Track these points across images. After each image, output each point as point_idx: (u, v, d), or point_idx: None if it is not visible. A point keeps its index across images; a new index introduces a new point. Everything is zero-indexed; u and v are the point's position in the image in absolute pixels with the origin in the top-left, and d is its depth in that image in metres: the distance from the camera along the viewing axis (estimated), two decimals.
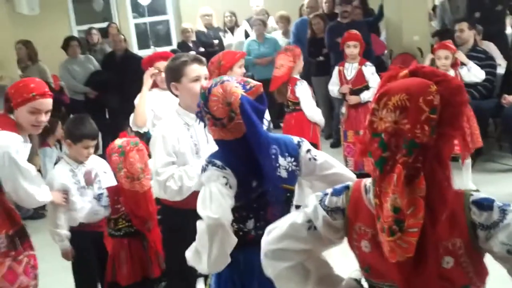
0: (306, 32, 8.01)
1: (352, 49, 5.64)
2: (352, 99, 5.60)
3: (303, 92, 5.05)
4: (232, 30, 9.00)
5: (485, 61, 6.05)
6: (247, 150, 2.16)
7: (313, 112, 5.11)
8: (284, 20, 8.73)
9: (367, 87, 5.58)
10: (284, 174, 2.26)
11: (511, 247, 1.51)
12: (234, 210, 2.17)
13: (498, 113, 6.16)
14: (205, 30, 8.98)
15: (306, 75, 8.04)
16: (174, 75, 2.97)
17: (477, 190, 5.40)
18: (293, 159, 2.29)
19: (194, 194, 2.77)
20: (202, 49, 8.72)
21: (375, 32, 8.34)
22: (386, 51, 8.28)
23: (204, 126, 2.32)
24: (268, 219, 2.12)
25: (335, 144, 7.45)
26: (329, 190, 1.73)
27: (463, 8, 8.20)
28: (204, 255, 2.11)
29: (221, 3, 9.58)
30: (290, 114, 5.19)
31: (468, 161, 5.46)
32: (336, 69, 5.83)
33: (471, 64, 5.39)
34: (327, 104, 7.68)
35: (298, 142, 2.34)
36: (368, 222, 1.63)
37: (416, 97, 1.46)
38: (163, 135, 2.90)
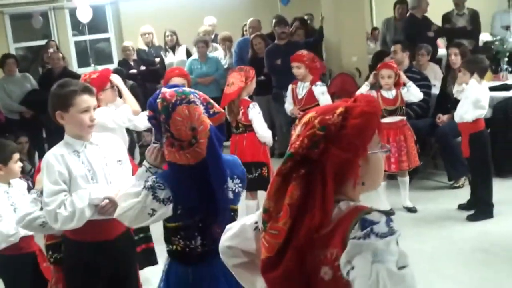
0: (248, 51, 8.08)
1: (296, 70, 5.70)
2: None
3: (256, 114, 5.02)
4: (173, 49, 8.96)
5: (420, 81, 6.21)
6: (198, 177, 2.19)
7: (266, 133, 5.10)
8: (226, 41, 8.76)
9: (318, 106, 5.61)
10: (230, 195, 2.33)
11: (349, 269, 1.46)
12: (179, 229, 2.25)
13: (433, 132, 6.33)
14: (146, 48, 8.92)
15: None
16: (62, 103, 2.82)
17: (413, 208, 5.52)
18: (239, 181, 2.36)
19: (95, 226, 2.83)
20: (143, 67, 8.66)
21: (316, 53, 8.47)
22: (325, 71, 8.42)
23: (155, 136, 2.30)
24: (214, 237, 2.19)
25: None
26: None
27: (400, 31, 8.47)
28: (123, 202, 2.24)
29: (162, 22, 9.55)
30: (241, 135, 5.10)
31: (406, 178, 5.58)
32: (290, 87, 5.89)
33: (410, 83, 5.53)
34: (269, 122, 7.71)
35: (244, 169, 2.43)
36: None
37: (317, 116, 1.57)
38: (47, 164, 2.80)
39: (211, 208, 2.24)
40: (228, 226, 1.90)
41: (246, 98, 5.09)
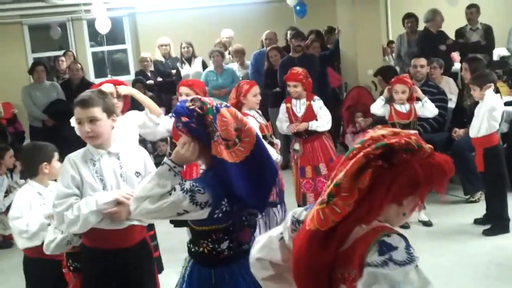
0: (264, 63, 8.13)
1: (293, 88, 5.54)
2: (301, 126, 5.50)
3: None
4: (189, 60, 9.04)
5: (437, 95, 6.22)
6: (245, 174, 2.26)
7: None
8: (239, 54, 8.82)
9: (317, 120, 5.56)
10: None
11: None
12: (211, 232, 2.33)
13: (449, 146, 6.31)
14: (163, 59, 9.00)
15: (263, 106, 8.15)
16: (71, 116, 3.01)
17: (429, 222, 5.50)
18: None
19: (108, 234, 2.89)
20: (160, 79, 8.74)
21: (331, 65, 8.51)
22: (341, 84, 8.46)
23: (183, 128, 2.31)
24: (240, 241, 2.36)
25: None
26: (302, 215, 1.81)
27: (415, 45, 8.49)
28: (148, 203, 2.25)
29: (179, 33, 9.64)
30: None
31: None
32: (283, 106, 5.70)
33: (426, 99, 5.53)
34: (284, 135, 7.74)
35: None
36: None
37: (407, 136, 1.66)
38: (63, 168, 2.92)
39: (260, 203, 2.34)
40: (257, 239, 1.95)
41: (247, 111, 4.91)
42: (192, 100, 2.33)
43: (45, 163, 3.54)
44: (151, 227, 4.08)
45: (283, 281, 1.87)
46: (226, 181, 2.24)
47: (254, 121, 4.97)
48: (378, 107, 5.58)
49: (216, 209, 2.26)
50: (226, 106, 2.33)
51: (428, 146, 1.62)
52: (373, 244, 1.51)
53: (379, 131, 1.64)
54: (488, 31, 8.20)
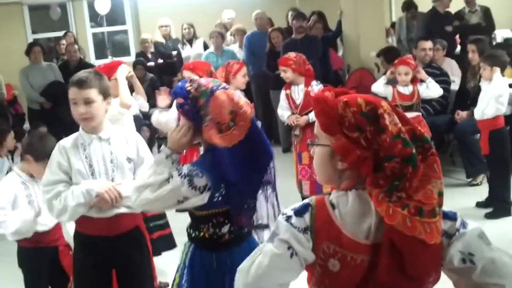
0: (259, 45, 8.04)
1: (282, 73, 5.37)
2: (301, 120, 5.29)
3: None
4: (190, 42, 8.97)
5: (440, 77, 6.17)
6: (239, 158, 2.22)
7: None
8: (241, 33, 8.75)
9: None
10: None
11: (466, 256, 1.54)
12: (211, 216, 2.30)
13: (452, 129, 6.27)
14: (163, 41, 8.93)
15: (261, 89, 8.12)
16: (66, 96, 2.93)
17: None
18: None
19: (95, 222, 2.86)
20: (160, 60, 8.68)
21: (333, 47, 8.43)
22: (343, 66, 8.39)
23: (182, 117, 2.31)
24: (241, 224, 2.33)
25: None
26: (289, 211, 1.61)
27: (419, 27, 8.42)
28: (149, 192, 2.23)
29: (180, 15, 9.56)
30: None
31: None
32: (283, 92, 5.50)
33: (429, 79, 5.48)
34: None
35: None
36: (340, 242, 1.56)
37: (391, 105, 1.58)
38: (52, 154, 2.89)
39: (252, 189, 2.30)
40: (241, 267, 1.62)
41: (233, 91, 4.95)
42: (190, 81, 2.30)
43: (30, 157, 3.42)
44: None
45: None
46: (218, 166, 2.20)
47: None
48: (379, 86, 5.54)
49: (215, 192, 2.22)
50: (224, 88, 2.27)
51: None
52: None
53: (395, 123, 1.54)
54: (486, 12, 8.16)
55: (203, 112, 2.22)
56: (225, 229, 2.33)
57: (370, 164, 1.51)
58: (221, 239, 2.35)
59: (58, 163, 2.83)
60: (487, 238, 1.57)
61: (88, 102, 2.82)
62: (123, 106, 3.99)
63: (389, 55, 6.75)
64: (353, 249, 1.54)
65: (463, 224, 1.58)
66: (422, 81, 5.55)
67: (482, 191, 5.53)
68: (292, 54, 5.41)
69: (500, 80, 5.06)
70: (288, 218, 1.58)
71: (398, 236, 1.48)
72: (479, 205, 5.38)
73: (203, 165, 2.24)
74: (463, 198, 5.64)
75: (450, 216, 1.59)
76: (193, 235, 2.39)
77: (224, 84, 2.32)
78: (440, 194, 1.53)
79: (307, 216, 1.58)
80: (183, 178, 2.20)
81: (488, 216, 5.15)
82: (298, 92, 5.38)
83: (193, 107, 2.24)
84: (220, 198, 2.24)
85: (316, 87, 5.32)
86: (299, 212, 1.59)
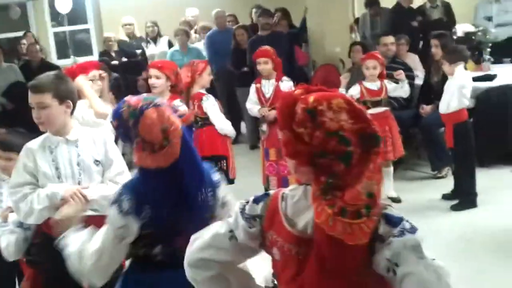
0: (221, 43, 8.02)
1: (263, 65, 5.35)
2: (271, 114, 5.29)
3: (211, 106, 4.92)
4: (154, 40, 8.88)
5: (404, 72, 6.21)
6: (171, 182, 2.14)
7: (224, 125, 5.01)
8: (206, 31, 8.70)
9: None
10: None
11: (391, 265, 1.53)
12: (142, 237, 2.19)
13: (417, 123, 6.34)
14: (127, 39, 8.82)
15: (229, 86, 8.09)
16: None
17: (398, 198, 5.53)
18: (210, 189, 2.28)
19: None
20: (124, 59, 8.57)
21: (298, 44, 8.44)
22: (309, 63, 8.41)
23: (118, 140, 2.25)
24: (176, 247, 2.15)
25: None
26: (251, 198, 1.75)
27: (383, 23, 8.50)
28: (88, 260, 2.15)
29: (143, 13, 9.45)
30: (200, 130, 4.99)
31: (390, 169, 5.57)
32: (253, 86, 5.53)
33: (405, 82, 5.57)
34: (252, 116, 7.67)
35: (218, 177, 2.35)
36: (280, 232, 1.66)
37: (350, 101, 1.57)
38: (20, 155, 2.85)
39: (184, 214, 2.18)
40: (193, 237, 1.83)
41: (201, 91, 4.98)
42: (124, 102, 2.20)
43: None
44: None
45: (222, 282, 1.80)
46: (147, 189, 2.14)
47: (213, 101, 4.94)
48: (354, 88, 5.51)
49: (139, 214, 2.15)
50: (155, 106, 2.15)
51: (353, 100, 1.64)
52: (378, 219, 1.55)
53: (337, 120, 1.54)
54: (447, 8, 8.32)
55: (132, 133, 2.14)
56: (157, 250, 2.24)
57: (304, 158, 1.55)
58: (154, 259, 2.26)
59: (24, 165, 2.79)
60: (421, 251, 1.54)
61: (41, 106, 2.78)
62: (99, 116, 3.78)
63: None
64: (289, 240, 1.63)
65: (402, 232, 1.54)
66: (391, 77, 5.58)
67: (447, 184, 5.61)
68: (268, 47, 5.45)
69: (462, 72, 5.14)
70: (244, 206, 1.74)
71: (321, 234, 1.52)
72: (445, 197, 5.45)
73: (128, 186, 2.20)
74: (429, 191, 5.72)
75: (393, 222, 1.56)
76: (131, 250, 2.29)
77: (156, 101, 2.20)
78: (370, 195, 1.50)
79: (261, 204, 1.71)
80: (112, 204, 2.15)
81: (454, 208, 5.23)
82: (268, 87, 5.44)
83: (125, 130, 2.16)
84: (145, 220, 2.15)
85: (286, 82, 5.39)
86: (256, 200, 1.73)
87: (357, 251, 1.51)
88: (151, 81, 4.52)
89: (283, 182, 5.21)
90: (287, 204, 1.65)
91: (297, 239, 1.61)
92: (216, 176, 2.34)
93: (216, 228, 1.80)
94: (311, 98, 1.55)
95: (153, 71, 4.53)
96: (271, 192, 1.75)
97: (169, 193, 2.15)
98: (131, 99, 2.21)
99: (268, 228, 1.68)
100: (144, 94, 2.30)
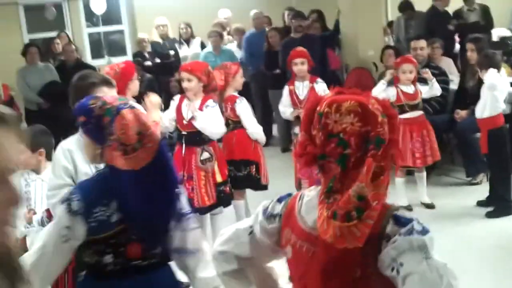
0: (258, 45, 8.03)
1: (300, 66, 5.37)
2: None
3: (244, 109, 4.90)
4: (187, 41, 8.94)
5: (438, 76, 6.15)
6: (141, 184, 2.09)
7: (255, 129, 4.96)
8: (239, 33, 8.73)
9: None
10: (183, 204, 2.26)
11: (396, 265, 1.51)
12: (90, 243, 2.14)
13: (451, 128, 6.26)
14: (160, 40, 8.89)
15: (263, 88, 8.11)
16: (81, 95, 2.70)
17: (432, 204, 5.47)
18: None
19: None
20: (158, 60, 8.64)
21: (331, 47, 8.41)
22: (341, 66, 8.38)
23: (85, 134, 2.19)
24: (128, 257, 2.13)
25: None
26: (276, 197, 1.80)
27: (417, 26, 8.41)
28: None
29: (176, 14, 9.52)
30: (232, 132, 4.97)
31: (423, 174, 5.53)
32: (287, 88, 5.55)
33: (434, 80, 5.50)
34: (284, 118, 7.67)
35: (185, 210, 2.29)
36: (293, 229, 1.69)
37: (365, 104, 1.54)
38: (55, 157, 2.84)
39: (141, 222, 2.12)
40: (221, 232, 1.90)
41: (234, 93, 4.97)
42: (94, 98, 2.19)
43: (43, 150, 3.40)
44: None
45: (243, 278, 1.84)
46: (116, 190, 2.10)
47: (246, 104, 4.94)
48: (379, 91, 5.47)
49: (88, 217, 2.10)
50: (130, 107, 2.14)
51: (374, 102, 1.59)
52: (387, 219, 1.55)
53: (341, 122, 1.53)
54: (485, 11, 8.18)
55: (107, 131, 2.10)
56: (108, 258, 2.16)
57: (308, 159, 1.59)
58: (105, 268, 2.18)
59: (63, 167, 2.79)
60: (427, 251, 1.50)
61: None
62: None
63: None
64: (301, 236, 1.66)
65: (411, 232, 1.52)
66: (420, 80, 5.53)
67: (482, 190, 5.53)
68: (303, 48, 5.44)
69: (492, 75, 5.05)
70: (268, 204, 1.79)
71: (320, 236, 1.54)
72: (479, 204, 5.38)
73: (82, 186, 2.17)
74: (463, 197, 5.65)
75: (401, 222, 1.55)
76: (83, 259, 2.25)
77: (130, 103, 2.19)
78: (361, 198, 1.47)
79: (282, 203, 1.76)
80: (63, 203, 2.12)
81: (489, 215, 5.15)
82: (302, 89, 5.44)
83: (97, 126, 2.12)
84: (95, 224, 2.10)
85: (321, 84, 5.41)
86: (280, 199, 1.79)
87: (349, 253, 1.50)
88: (184, 84, 4.56)
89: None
90: (302, 203, 1.70)
91: (307, 236, 1.64)
92: (185, 206, 2.26)
93: (240, 223, 1.90)
94: (327, 101, 1.57)
95: (184, 74, 4.57)
96: (293, 193, 1.80)
97: (135, 195, 2.10)
98: (100, 96, 2.21)
99: (285, 225, 1.73)
100: (117, 96, 2.30)
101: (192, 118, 4.48)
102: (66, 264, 2.21)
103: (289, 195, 1.78)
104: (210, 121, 4.51)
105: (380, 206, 1.50)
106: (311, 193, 1.69)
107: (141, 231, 2.14)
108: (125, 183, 2.09)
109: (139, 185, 2.09)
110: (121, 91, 3.96)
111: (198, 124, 4.48)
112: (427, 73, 5.52)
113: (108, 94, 2.77)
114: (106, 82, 2.88)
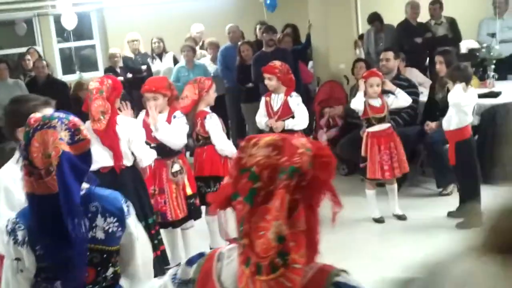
0: (233, 58, 8.07)
1: (267, 81, 5.46)
2: (278, 125, 5.40)
3: (213, 125, 4.88)
4: (160, 56, 8.92)
5: (408, 88, 6.22)
6: (59, 209, 2.00)
7: (224, 146, 4.93)
8: (214, 47, 8.75)
9: (293, 118, 5.45)
10: (100, 235, 2.13)
11: None
12: (40, 270, 2.08)
13: (421, 139, 6.33)
14: (132, 55, 8.86)
15: (235, 102, 8.12)
16: (23, 120, 2.44)
17: (403, 216, 5.51)
18: (115, 219, 2.16)
19: None
20: (130, 75, 8.60)
21: (303, 60, 8.47)
22: (313, 80, 8.43)
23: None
24: (79, 281, 2.08)
25: None
26: (184, 262, 1.61)
27: (386, 39, 8.53)
28: None
29: (148, 29, 9.50)
30: (201, 148, 4.98)
31: (395, 186, 5.57)
32: (263, 100, 5.64)
33: (398, 90, 5.55)
34: (257, 131, 7.68)
35: (127, 207, 2.24)
36: None
37: (288, 139, 1.38)
38: (6, 187, 2.69)
39: (69, 247, 2.03)
40: None
41: (205, 109, 4.97)
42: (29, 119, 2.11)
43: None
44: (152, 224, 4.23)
45: None
46: (37, 217, 2.05)
47: (216, 120, 4.94)
48: (360, 103, 5.49)
49: (34, 245, 2.05)
50: (48, 127, 2.02)
51: (304, 140, 1.40)
52: (327, 287, 1.38)
53: (256, 155, 1.35)
54: (452, 24, 8.34)
55: (23, 155, 2.04)
56: (58, 286, 2.10)
57: (220, 199, 1.42)
58: None
59: (18, 199, 2.62)
60: None
61: None
62: None
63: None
64: None
65: None
66: (385, 92, 5.58)
67: (453, 201, 5.59)
68: (277, 63, 5.51)
69: (459, 91, 5.10)
70: (176, 271, 1.58)
71: None
72: (450, 215, 5.43)
73: (23, 213, 2.10)
74: (434, 208, 5.70)
75: None
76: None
77: (51, 123, 2.04)
78: (281, 240, 1.26)
79: (194, 266, 1.54)
80: (9, 235, 2.07)
81: (459, 226, 5.20)
82: (277, 101, 5.50)
83: (23, 151, 2.06)
84: (41, 252, 2.05)
85: (295, 98, 5.47)
86: (190, 262, 1.56)
87: None
88: (151, 103, 4.56)
89: None
90: (222, 265, 1.48)
91: None
92: (125, 205, 2.22)
93: (157, 282, 1.68)
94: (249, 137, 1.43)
95: (149, 95, 4.59)
96: (206, 252, 1.57)
97: (56, 222, 2.00)
98: (34, 116, 2.10)
99: None
100: (43, 114, 2.14)
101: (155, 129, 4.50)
102: None
103: (201, 255, 1.56)
104: (171, 133, 4.53)
105: (303, 248, 1.30)
106: (232, 253, 1.46)
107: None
108: (42, 209, 2.02)
109: (39, 211, 2.02)
110: (112, 105, 4.03)
111: (159, 136, 4.50)
112: (387, 85, 5.56)
113: None
114: (48, 103, 2.79)
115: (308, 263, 1.36)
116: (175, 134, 4.55)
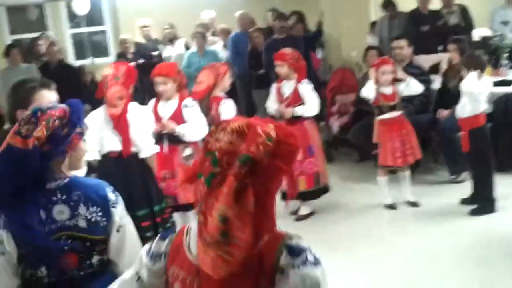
0: (243, 45, 8.05)
1: (279, 68, 5.46)
2: (287, 111, 5.39)
3: (226, 110, 4.89)
4: (171, 42, 8.92)
5: (420, 76, 6.20)
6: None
7: None
8: (225, 33, 8.74)
9: (304, 104, 5.42)
10: (82, 223, 2.11)
11: None
12: (23, 256, 2.08)
13: (434, 127, 6.32)
14: (144, 41, 8.87)
15: (247, 88, 8.12)
16: (21, 102, 2.70)
17: (416, 203, 5.51)
18: (98, 209, 2.14)
19: None
20: (141, 61, 8.61)
21: (312, 48, 8.44)
22: (320, 67, 8.40)
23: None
24: (62, 268, 2.09)
25: None
26: (159, 235, 1.74)
27: (400, 26, 8.47)
28: None
29: (159, 15, 9.49)
30: None
31: (407, 173, 5.57)
32: (274, 86, 5.64)
33: (409, 78, 5.53)
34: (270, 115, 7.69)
35: (115, 197, 2.21)
36: (182, 265, 1.60)
37: (254, 126, 1.46)
38: None
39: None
40: None
41: (220, 95, 4.98)
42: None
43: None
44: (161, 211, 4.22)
45: None
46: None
47: (231, 104, 4.96)
48: (371, 91, 5.48)
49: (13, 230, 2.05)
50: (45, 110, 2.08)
51: (271, 127, 1.47)
52: (280, 249, 1.49)
53: (220, 140, 1.47)
54: (464, 11, 8.23)
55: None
56: (42, 271, 2.11)
57: (189, 175, 1.57)
58: (41, 281, 2.12)
59: None
60: (318, 285, 1.48)
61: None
62: None
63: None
64: (191, 272, 1.58)
65: (304, 263, 1.48)
66: (397, 80, 5.56)
67: (465, 188, 5.57)
68: (288, 50, 5.51)
69: (472, 79, 5.08)
70: (150, 245, 1.71)
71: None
72: (463, 202, 5.43)
73: None
74: (447, 195, 5.70)
75: (294, 252, 1.50)
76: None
77: (39, 109, 2.08)
78: (224, 221, 1.40)
79: (167, 241, 1.69)
80: None
81: (472, 213, 5.20)
82: (288, 88, 5.48)
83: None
84: (20, 238, 2.06)
85: (306, 85, 5.45)
86: (163, 236, 1.72)
87: (250, 286, 1.45)
88: (160, 88, 4.60)
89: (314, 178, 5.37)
90: (190, 237, 1.62)
91: (196, 270, 1.55)
92: (111, 195, 2.20)
93: (122, 276, 1.80)
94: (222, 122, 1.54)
95: (158, 79, 4.62)
96: (179, 228, 1.72)
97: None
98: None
99: (171, 262, 1.64)
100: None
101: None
102: (15, 282, 2.13)
103: (173, 231, 1.72)
104: (193, 129, 4.54)
105: (248, 226, 1.41)
106: (196, 225, 1.58)
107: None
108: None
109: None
110: (126, 93, 4.03)
111: (187, 138, 4.57)
112: (399, 73, 5.55)
113: (50, 97, 2.73)
114: (45, 85, 2.80)
115: (268, 233, 1.50)
116: (197, 128, 4.54)
